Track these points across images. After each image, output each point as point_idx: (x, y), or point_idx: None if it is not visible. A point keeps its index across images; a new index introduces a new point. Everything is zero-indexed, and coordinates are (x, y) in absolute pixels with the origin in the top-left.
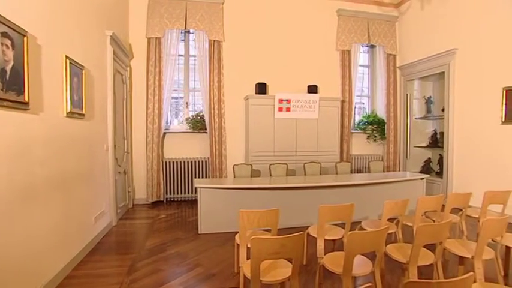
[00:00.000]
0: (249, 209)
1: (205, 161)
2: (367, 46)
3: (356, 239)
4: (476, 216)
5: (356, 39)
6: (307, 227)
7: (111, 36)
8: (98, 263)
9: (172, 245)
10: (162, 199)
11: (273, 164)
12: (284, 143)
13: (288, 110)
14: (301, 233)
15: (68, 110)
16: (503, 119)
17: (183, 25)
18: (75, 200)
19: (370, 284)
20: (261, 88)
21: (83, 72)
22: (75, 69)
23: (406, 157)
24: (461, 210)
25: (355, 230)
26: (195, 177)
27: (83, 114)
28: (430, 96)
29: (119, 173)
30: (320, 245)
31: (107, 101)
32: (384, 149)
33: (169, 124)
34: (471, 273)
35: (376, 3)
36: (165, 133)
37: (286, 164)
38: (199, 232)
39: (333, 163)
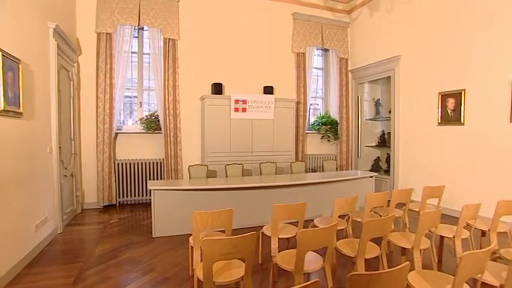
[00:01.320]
0: (204, 210)
1: (160, 162)
2: (321, 49)
3: (306, 236)
4: (417, 209)
5: (311, 43)
6: (264, 226)
7: (54, 28)
8: (38, 275)
9: (124, 251)
10: (114, 202)
11: (229, 164)
12: (240, 144)
13: (244, 110)
14: (253, 232)
15: (1, 107)
16: (439, 121)
17: (136, 21)
18: (10, 206)
19: (316, 280)
20: (217, 88)
21: (20, 66)
22: (9, 62)
23: (358, 156)
24: (404, 204)
25: (308, 227)
26: (150, 179)
27: (20, 113)
28: (379, 99)
29: (66, 176)
30: (274, 243)
31: (51, 99)
32: (337, 149)
33: (122, 124)
34: (407, 262)
35: (330, 9)
36: (117, 133)
37: (242, 164)
38: (153, 236)
39: (288, 163)
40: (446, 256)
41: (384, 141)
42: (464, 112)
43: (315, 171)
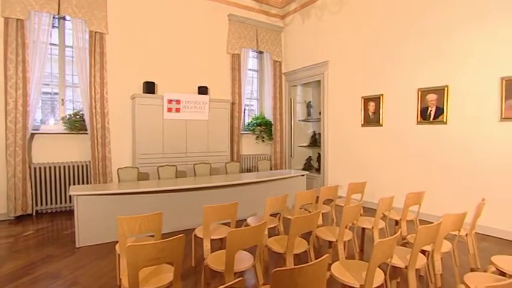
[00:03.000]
0: (134, 215)
1: (86, 165)
2: (256, 52)
3: (236, 236)
4: (343, 205)
5: (246, 44)
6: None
7: None
8: None
9: (40, 266)
10: (30, 212)
11: (162, 166)
12: (174, 144)
13: (177, 110)
14: (181, 235)
15: None
16: (362, 122)
17: (56, 9)
18: None
19: (240, 279)
20: (149, 87)
21: None
22: None
23: (291, 156)
24: (332, 200)
25: (242, 227)
26: (74, 184)
27: None
28: (310, 101)
29: None
30: (206, 245)
31: None
32: (272, 149)
33: (40, 123)
34: (326, 255)
35: (265, 12)
36: (33, 134)
37: (175, 166)
38: (77, 245)
39: (223, 163)
40: (368, 245)
41: (315, 141)
42: (382, 115)
43: (250, 171)
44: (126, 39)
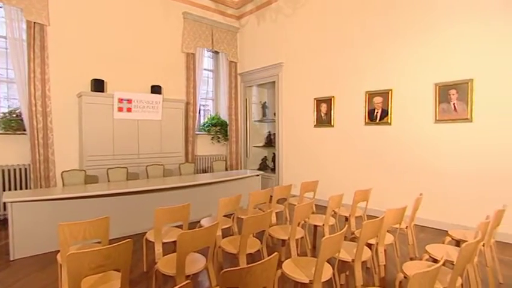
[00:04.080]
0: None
1: (26, 169)
2: (212, 51)
3: (187, 238)
4: (296, 203)
5: (201, 44)
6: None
7: None
8: None
9: None
10: None
11: (112, 168)
12: (125, 145)
13: (129, 110)
14: (128, 240)
15: None
16: (315, 123)
17: None
18: None
19: (187, 282)
20: (98, 85)
21: None
22: None
23: (247, 156)
24: (286, 199)
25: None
26: (10, 190)
27: None
28: (265, 102)
29: None
30: (158, 249)
31: None
32: (227, 149)
33: None
34: (275, 253)
35: (221, 12)
36: None
37: (126, 167)
38: (12, 258)
39: (177, 164)
40: (319, 242)
41: (271, 141)
42: (334, 116)
43: (205, 172)
44: (72, 32)
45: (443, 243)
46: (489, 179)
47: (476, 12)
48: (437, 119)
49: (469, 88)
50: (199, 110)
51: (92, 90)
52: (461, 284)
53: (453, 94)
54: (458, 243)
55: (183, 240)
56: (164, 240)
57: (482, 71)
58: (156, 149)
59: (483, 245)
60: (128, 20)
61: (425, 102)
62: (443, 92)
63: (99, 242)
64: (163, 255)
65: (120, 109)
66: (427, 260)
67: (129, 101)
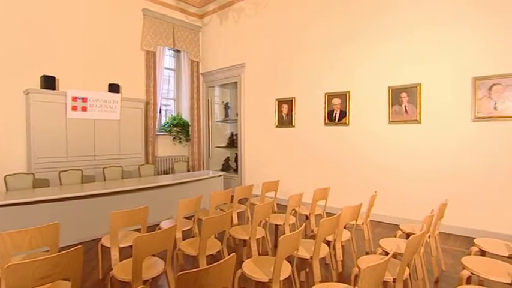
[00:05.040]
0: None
1: None
2: (173, 50)
3: (143, 241)
4: (258, 203)
5: (162, 42)
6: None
7: None
8: None
9: None
10: None
11: (65, 170)
12: (80, 147)
13: (84, 109)
14: (78, 246)
15: None
16: (277, 124)
17: None
18: None
19: (142, 287)
20: (49, 82)
21: None
22: None
23: (209, 157)
24: (247, 199)
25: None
26: None
27: None
28: (228, 102)
29: None
30: (114, 254)
31: None
32: (189, 150)
33: None
34: (233, 254)
35: (182, 10)
36: None
37: (81, 170)
38: None
39: (136, 166)
40: None
41: (233, 142)
42: (294, 116)
43: (167, 173)
44: (18, 23)
45: (395, 237)
46: (435, 175)
47: (425, 22)
48: (390, 120)
49: (418, 91)
50: (160, 110)
51: (41, 88)
52: (409, 274)
53: (404, 97)
54: (408, 236)
55: (140, 244)
56: (121, 245)
57: (429, 76)
58: (114, 150)
59: (429, 237)
60: (82, 13)
61: (380, 104)
62: (396, 94)
63: (47, 251)
64: (120, 261)
65: (74, 108)
66: (380, 253)
67: (84, 99)
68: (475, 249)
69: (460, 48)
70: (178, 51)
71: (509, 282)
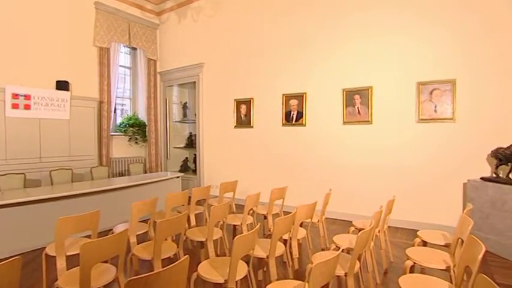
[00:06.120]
0: None
1: None
2: (129, 47)
3: (91, 248)
4: (216, 204)
5: (116, 38)
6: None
7: None
8: None
9: None
10: None
11: (4, 175)
12: (23, 148)
13: (27, 107)
14: (14, 258)
15: None
16: (235, 124)
17: None
18: None
19: None
20: None
21: None
22: None
23: (167, 158)
24: (205, 201)
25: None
26: None
27: None
28: (186, 102)
29: None
30: (61, 263)
31: None
32: (146, 151)
33: None
34: (186, 256)
35: (139, 6)
36: None
37: (24, 173)
38: None
39: (88, 168)
40: None
41: (192, 142)
42: (253, 117)
43: (122, 176)
44: None
45: (348, 233)
46: (385, 173)
47: (376, 32)
48: (345, 121)
49: (369, 94)
50: (115, 110)
51: None
52: (360, 267)
53: (357, 99)
54: (360, 231)
55: (87, 250)
56: (69, 253)
57: (379, 80)
58: (63, 152)
59: (378, 231)
60: (27, 4)
61: (335, 105)
62: (350, 96)
63: None
64: (68, 270)
65: (15, 106)
66: (334, 249)
67: (27, 96)
68: (418, 240)
69: (405, 56)
70: (134, 49)
71: (444, 268)
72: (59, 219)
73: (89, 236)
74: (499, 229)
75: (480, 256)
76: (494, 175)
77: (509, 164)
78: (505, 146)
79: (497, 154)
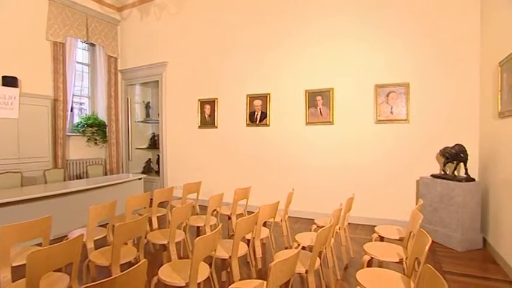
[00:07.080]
0: None
1: None
2: (87, 43)
3: (40, 257)
4: (179, 205)
5: (72, 33)
6: None
7: None
8: None
9: None
10: None
11: None
12: None
13: None
14: None
15: None
16: (199, 124)
17: None
18: None
19: None
20: None
21: None
22: None
23: (129, 159)
24: (168, 202)
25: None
26: None
27: None
28: (149, 102)
29: None
30: (5, 276)
31: None
32: (106, 152)
33: None
34: (144, 260)
35: (97, 0)
36: None
37: None
38: None
39: (41, 171)
40: None
41: (155, 143)
42: (217, 117)
43: (80, 178)
44: None
45: (310, 231)
46: (345, 172)
47: (335, 36)
48: (307, 121)
49: (331, 95)
50: (72, 109)
51: None
52: (320, 264)
53: (319, 100)
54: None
55: (35, 259)
56: (15, 264)
57: (340, 82)
58: (11, 154)
59: (339, 228)
60: None
61: (298, 106)
62: (312, 97)
63: None
64: (14, 282)
65: None
66: (296, 247)
67: None
68: (375, 235)
69: (364, 59)
70: (93, 45)
71: (398, 260)
72: (1, 227)
73: (40, 244)
74: (446, 222)
75: (427, 248)
76: (442, 172)
77: (455, 162)
78: (451, 146)
79: (444, 153)
